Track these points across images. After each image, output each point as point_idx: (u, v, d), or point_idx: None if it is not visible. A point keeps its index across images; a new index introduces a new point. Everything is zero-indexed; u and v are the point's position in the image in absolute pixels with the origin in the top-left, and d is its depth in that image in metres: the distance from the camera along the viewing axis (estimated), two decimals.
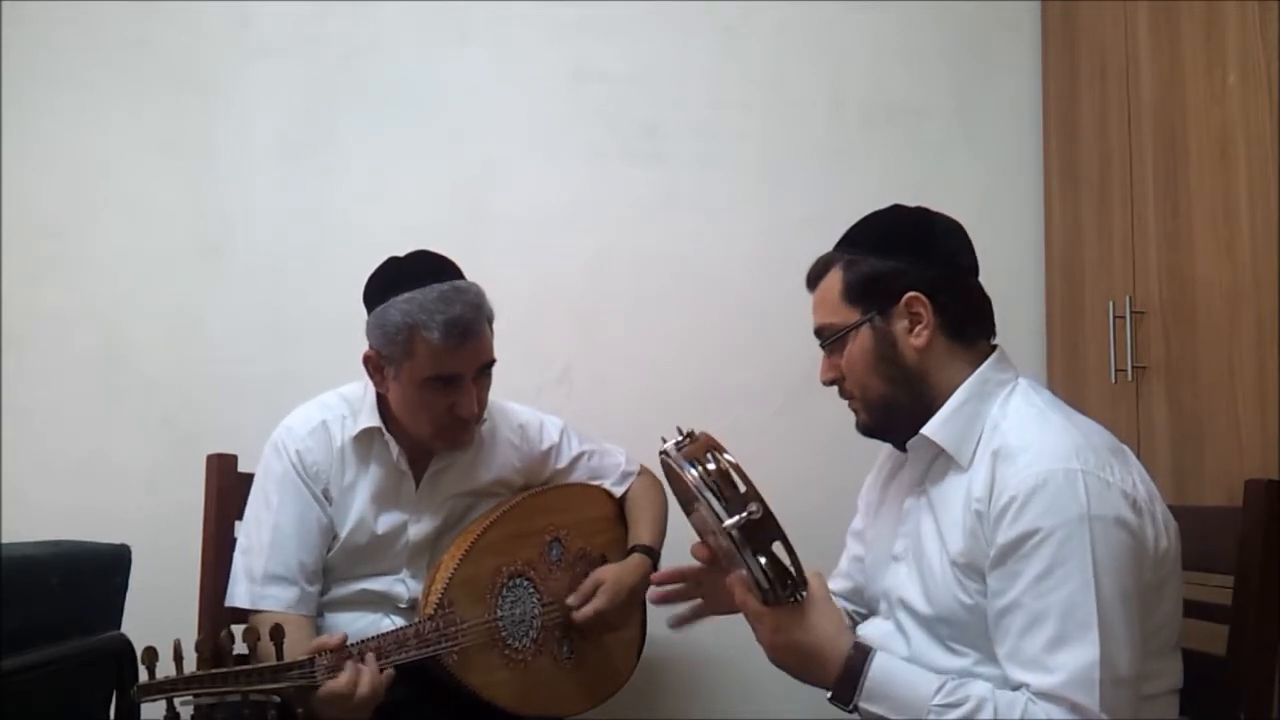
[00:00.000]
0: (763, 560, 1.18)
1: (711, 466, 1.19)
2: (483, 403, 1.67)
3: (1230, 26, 1.71)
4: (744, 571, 1.21)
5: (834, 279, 1.38)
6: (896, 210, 1.41)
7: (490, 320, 1.65)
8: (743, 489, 1.18)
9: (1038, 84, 2.40)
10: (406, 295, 1.59)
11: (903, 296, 1.32)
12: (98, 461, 2.18)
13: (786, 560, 1.20)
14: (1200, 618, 1.37)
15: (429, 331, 1.56)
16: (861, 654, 1.22)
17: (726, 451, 1.21)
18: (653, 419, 2.18)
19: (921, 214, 1.40)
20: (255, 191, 2.28)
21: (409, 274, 1.63)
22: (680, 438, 1.25)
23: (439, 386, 1.60)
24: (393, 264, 1.67)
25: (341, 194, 2.29)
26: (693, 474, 1.19)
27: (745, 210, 2.36)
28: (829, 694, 1.23)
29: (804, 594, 1.22)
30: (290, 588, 1.62)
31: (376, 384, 1.68)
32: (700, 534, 1.38)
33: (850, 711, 1.22)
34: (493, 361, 1.66)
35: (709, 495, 1.18)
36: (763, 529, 1.17)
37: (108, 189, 2.25)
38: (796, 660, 1.24)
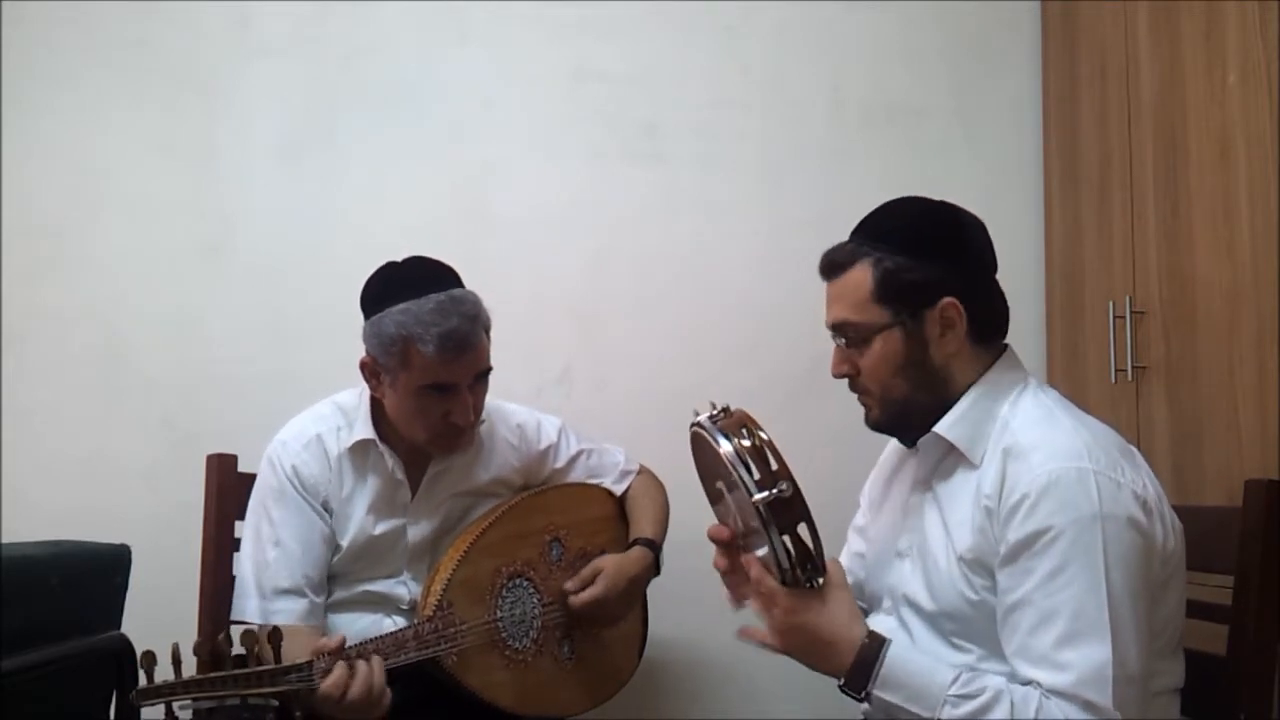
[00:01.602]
0: (786, 540, 1.18)
1: (747, 443, 1.19)
2: (479, 408, 1.67)
3: (1230, 26, 1.71)
4: (764, 551, 1.21)
5: (862, 275, 1.32)
6: (923, 205, 1.37)
7: (487, 329, 1.64)
8: (775, 466, 1.18)
9: (1038, 84, 2.40)
10: (402, 306, 1.58)
11: (939, 302, 1.30)
12: (98, 461, 2.18)
13: (810, 544, 1.20)
14: (1200, 618, 1.37)
15: (424, 345, 1.55)
16: (876, 642, 1.21)
17: (762, 429, 1.21)
18: (653, 419, 2.21)
19: (950, 211, 1.37)
20: (255, 191, 2.28)
21: (405, 282, 1.62)
22: (715, 411, 1.25)
23: (434, 395, 1.60)
24: (389, 270, 1.66)
25: (341, 194, 2.29)
26: (727, 446, 1.19)
27: (745, 210, 2.36)
28: (840, 681, 1.22)
29: (821, 581, 1.22)
30: (299, 600, 1.62)
31: (373, 389, 1.67)
32: (719, 517, 1.37)
33: (861, 700, 1.22)
34: (489, 369, 1.66)
35: (741, 469, 1.17)
36: (791, 508, 1.17)
37: (108, 189, 2.25)
38: (806, 644, 1.24)
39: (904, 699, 1.19)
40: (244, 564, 1.67)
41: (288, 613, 1.60)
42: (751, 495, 1.16)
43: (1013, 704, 1.15)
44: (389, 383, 1.63)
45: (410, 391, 1.60)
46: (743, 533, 1.29)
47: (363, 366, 1.66)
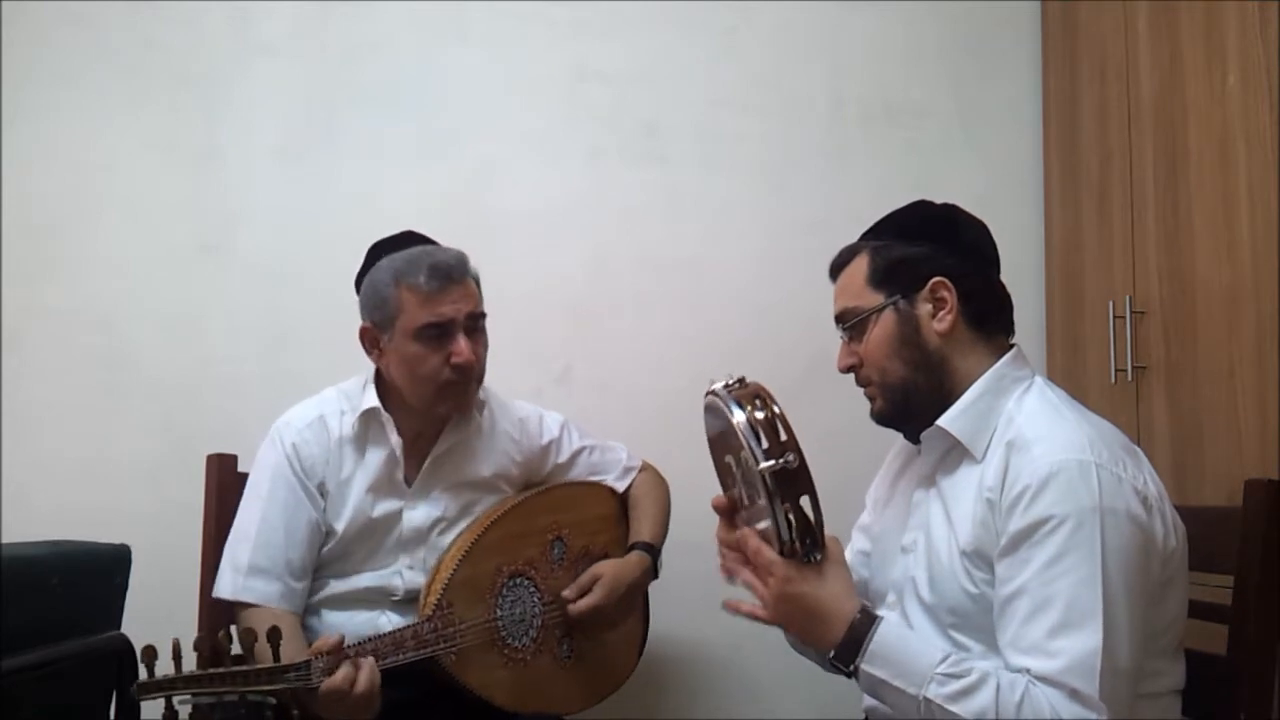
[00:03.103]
0: (788, 510, 1.19)
1: (760, 414, 1.21)
2: (480, 359, 1.69)
3: (1230, 26, 1.71)
4: (765, 524, 1.23)
5: (859, 265, 1.39)
6: (923, 203, 1.43)
7: (476, 280, 1.69)
8: (784, 438, 1.19)
9: (1038, 84, 2.40)
10: (390, 257, 1.66)
11: (928, 281, 1.34)
12: (98, 461, 2.18)
13: (811, 517, 1.21)
14: (1200, 618, 1.37)
15: (413, 279, 1.61)
16: (868, 618, 1.23)
17: (776, 402, 1.23)
18: (653, 419, 2.21)
19: (948, 208, 1.43)
20: (255, 191, 2.28)
21: (392, 246, 1.69)
22: (731, 381, 1.27)
23: (433, 337, 1.62)
24: (377, 244, 1.73)
25: (341, 194, 2.29)
26: (740, 416, 1.21)
27: (745, 210, 2.36)
28: (830, 654, 1.23)
29: (820, 556, 1.23)
30: (273, 582, 1.62)
31: (375, 359, 1.69)
32: (724, 486, 1.38)
33: (849, 674, 1.23)
34: (483, 314, 1.69)
35: (750, 437, 1.19)
36: (795, 480, 1.18)
37: (108, 189, 2.25)
38: (799, 616, 1.24)
39: (891, 675, 1.19)
40: (230, 538, 1.68)
41: (260, 592, 1.61)
42: (758, 463, 1.17)
43: (999, 688, 1.15)
44: (387, 340, 1.65)
45: (409, 335, 1.62)
46: (747, 507, 1.31)
47: (362, 335, 1.68)
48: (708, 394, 1.29)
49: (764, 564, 1.25)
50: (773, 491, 1.18)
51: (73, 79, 2.26)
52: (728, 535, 1.35)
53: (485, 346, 1.70)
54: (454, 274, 1.63)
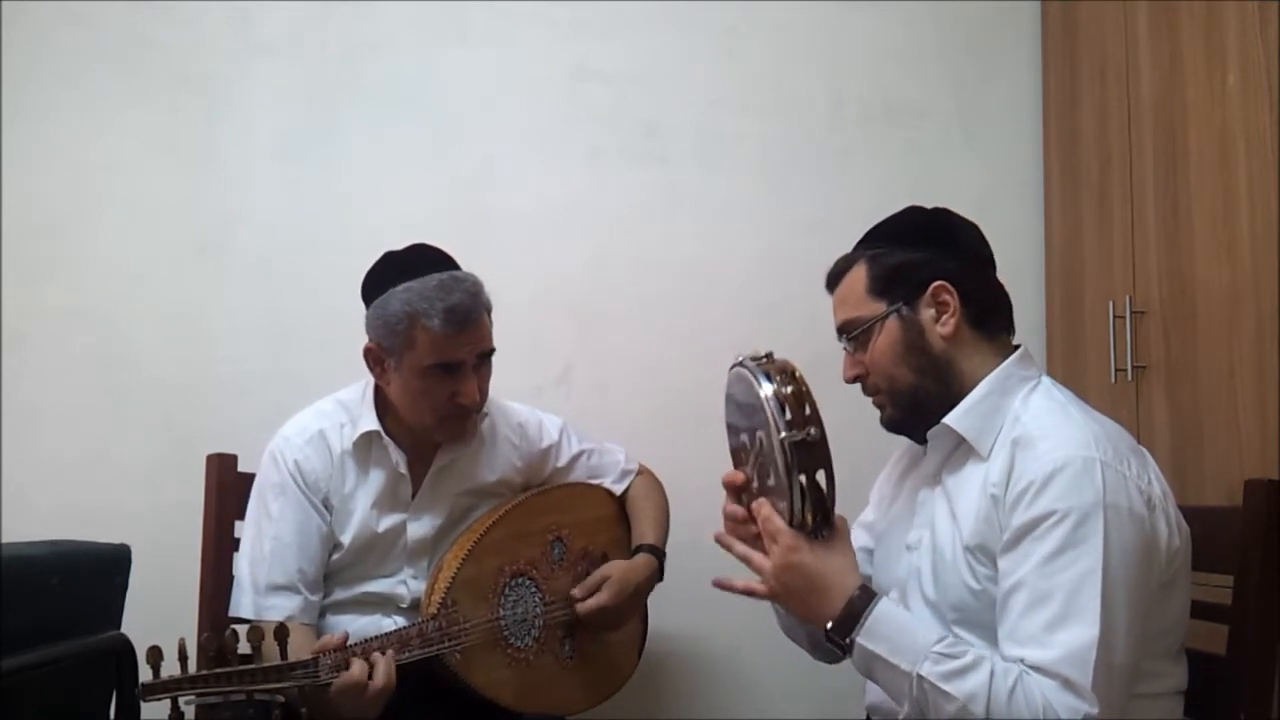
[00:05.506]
0: (803, 481, 1.21)
1: (788, 389, 1.22)
2: (484, 392, 1.68)
3: (1230, 26, 1.71)
4: (781, 504, 1.24)
5: (857, 275, 1.39)
6: (914, 209, 1.44)
7: (488, 310, 1.66)
8: (808, 412, 1.21)
9: (1038, 84, 2.40)
10: (405, 285, 1.61)
11: (929, 285, 1.34)
12: (98, 461, 2.18)
13: (825, 492, 1.23)
14: (1200, 618, 1.36)
15: (430, 320, 1.57)
16: (868, 594, 1.23)
17: (805, 380, 1.24)
18: (653, 419, 2.22)
19: (940, 211, 1.43)
20: (255, 191, 2.28)
21: (406, 266, 1.65)
22: (760, 356, 1.28)
23: (441, 375, 1.61)
24: (390, 257, 1.69)
25: (341, 194, 2.29)
26: (768, 387, 1.23)
27: (745, 210, 2.36)
28: (827, 626, 1.24)
29: (828, 533, 1.25)
30: (293, 597, 1.62)
31: (377, 377, 1.68)
32: (736, 462, 1.39)
33: (845, 649, 1.24)
34: (492, 350, 1.67)
35: (775, 409, 1.21)
36: (815, 453, 1.20)
37: (108, 189, 2.25)
38: (801, 585, 1.25)
39: (887, 650, 1.20)
40: (241, 559, 1.68)
41: (281, 609, 1.61)
42: (780, 433, 1.19)
43: (993, 672, 1.16)
44: (394, 366, 1.64)
45: (417, 371, 1.61)
46: (755, 490, 1.31)
47: (367, 354, 1.67)
48: (734, 366, 1.30)
49: (771, 531, 1.25)
50: (791, 462, 1.20)
51: (73, 79, 2.25)
52: (734, 508, 1.35)
53: (489, 375, 1.69)
54: (471, 317, 1.60)
